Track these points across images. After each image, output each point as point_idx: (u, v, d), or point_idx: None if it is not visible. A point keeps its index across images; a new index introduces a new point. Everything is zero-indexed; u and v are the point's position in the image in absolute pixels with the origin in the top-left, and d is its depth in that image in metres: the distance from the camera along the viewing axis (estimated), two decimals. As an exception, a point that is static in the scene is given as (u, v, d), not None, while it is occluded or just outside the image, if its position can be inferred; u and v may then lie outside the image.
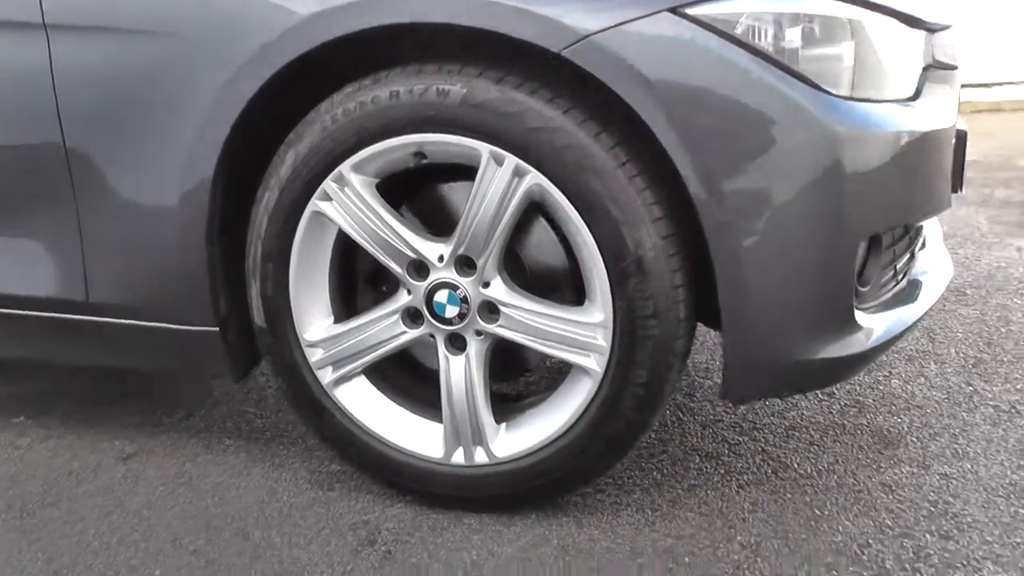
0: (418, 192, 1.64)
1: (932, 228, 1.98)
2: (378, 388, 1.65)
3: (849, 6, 1.41)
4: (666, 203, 1.40)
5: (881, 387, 2.04)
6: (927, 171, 1.53)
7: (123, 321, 1.74)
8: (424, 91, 1.42)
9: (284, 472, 1.80)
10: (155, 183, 1.61)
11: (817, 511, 1.57)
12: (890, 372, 2.12)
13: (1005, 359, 2.16)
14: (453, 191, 1.62)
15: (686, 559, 1.46)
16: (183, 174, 1.58)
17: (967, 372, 2.09)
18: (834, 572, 1.40)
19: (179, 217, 1.60)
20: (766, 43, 1.35)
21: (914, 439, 1.80)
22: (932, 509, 1.56)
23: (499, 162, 1.42)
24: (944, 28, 1.72)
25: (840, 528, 1.52)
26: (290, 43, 1.45)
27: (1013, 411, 1.89)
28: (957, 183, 1.73)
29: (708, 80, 1.33)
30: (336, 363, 1.62)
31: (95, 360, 1.84)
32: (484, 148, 1.42)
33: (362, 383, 1.64)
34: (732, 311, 1.39)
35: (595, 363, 1.46)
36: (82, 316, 1.76)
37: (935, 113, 1.56)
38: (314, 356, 1.62)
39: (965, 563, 1.41)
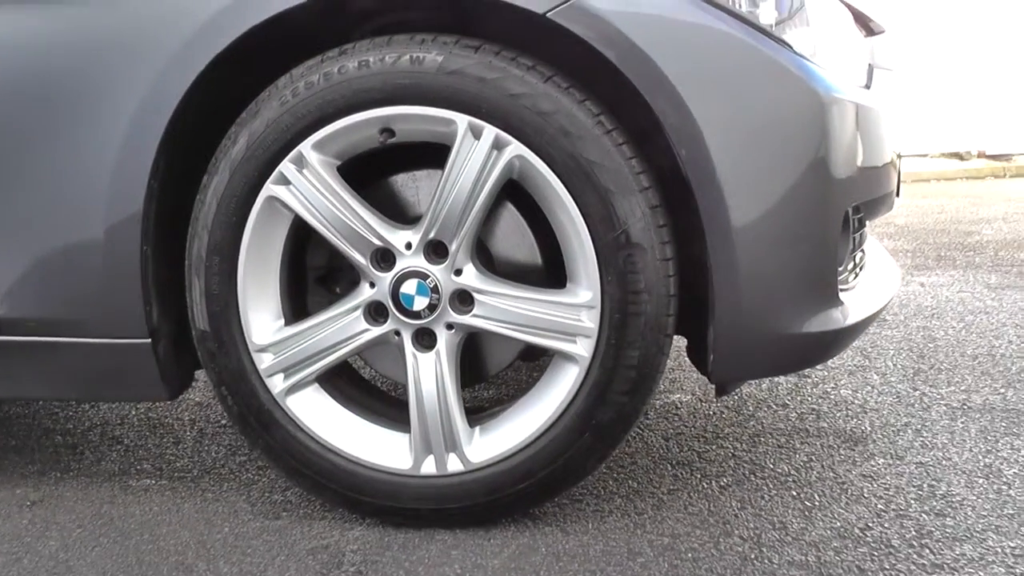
0: (375, 184, 1.53)
1: (873, 243, 2.02)
2: (333, 398, 1.50)
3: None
4: (652, 173, 1.36)
5: (832, 396, 2.03)
6: (885, 150, 1.56)
7: (36, 339, 1.52)
8: (397, 59, 1.34)
9: (220, 505, 1.60)
10: (80, 173, 1.43)
11: (807, 503, 1.51)
12: (836, 384, 2.11)
13: (942, 367, 2.19)
14: (414, 181, 1.53)
15: (688, 555, 1.36)
16: (116, 163, 1.41)
17: (910, 380, 2.11)
18: (843, 554, 1.33)
19: (109, 211, 1.43)
20: (744, 9, 1.34)
21: (879, 436, 1.78)
22: (919, 492, 1.52)
23: (477, 135, 1.34)
24: (881, 32, 1.80)
25: (836, 515, 1.46)
26: (240, 15, 1.35)
27: (966, 407, 1.91)
28: (897, 187, 1.77)
29: (695, 42, 1.30)
30: (288, 369, 1.46)
31: (6, 390, 1.59)
32: (461, 119, 1.34)
33: (316, 392, 1.48)
34: (724, 283, 1.34)
35: (582, 348, 1.37)
36: None
37: (886, 101, 1.60)
38: (263, 362, 1.46)
39: (968, 536, 1.37)
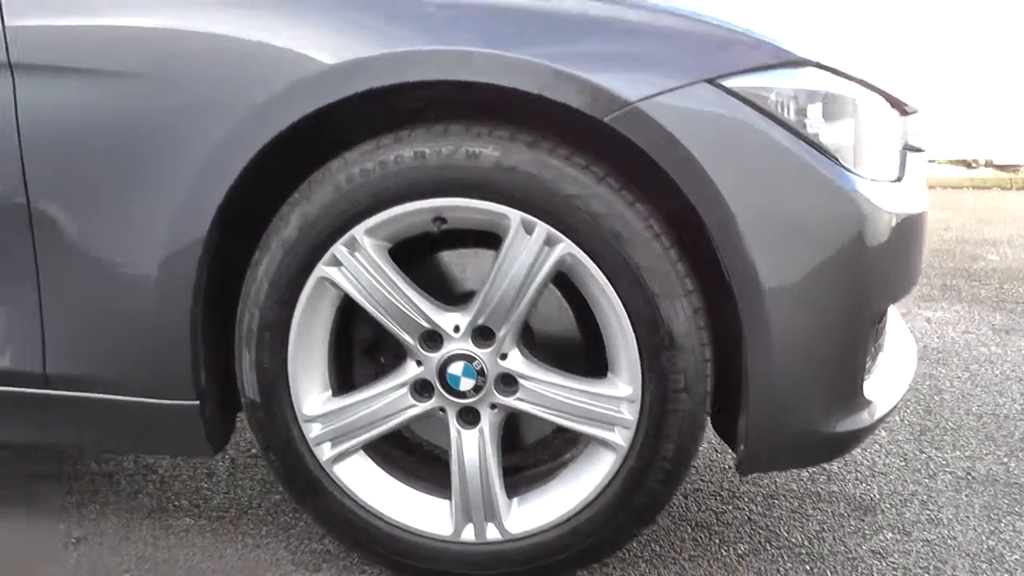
0: (422, 261, 1.58)
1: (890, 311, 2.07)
2: (377, 464, 1.57)
3: (852, 84, 1.46)
4: (696, 276, 1.41)
5: (842, 454, 2.10)
6: (917, 248, 1.61)
7: (86, 395, 1.57)
8: (453, 152, 1.38)
9: (262, 552, 1.67)
10: (134, 241, 1.48)
11: (821, 580, 1.59)
12: (846, 439, 2.19)
13: (947, 427, 2.27)
14: (460, 258, 1.58)
15: (710, 635, 1.44)
16: (170, 233, 1.46)
17: (916, 439, 2.19)
18: (856, 644, 1.42)
19: (162, 279, 1.48)
20: (792, 117, 1.38)
21: (888, 506, 1.86)
22: (926, 575, 1.61)
23: (529, 230, 1.39)
24: (913, 112, 1.83)
25: (848, 598, 1.54)
26: (310, 95, 1.38)
27: (969, 477, 1.99)
28: None
29: (744, 152, 1.35)
30: (336, 439, 1.52)
31: (54, 438, 1.65)
32: (515, 215, 1.39)
33: (362, 459, 1.55)
34: (760, 385, 1.40)
35: (620, 437, 1.44)
36: (38, 390, 1.59)
37: (919, 194, 1.64)
38: (312, 431, 1.52)
39: (973, 629, 1.45)
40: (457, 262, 1.58)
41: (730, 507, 1.86)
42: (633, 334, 1.39)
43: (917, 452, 2.12)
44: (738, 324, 1.39)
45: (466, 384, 1.46)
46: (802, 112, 1.39)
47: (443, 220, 1.44)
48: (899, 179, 1.65)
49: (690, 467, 1.46)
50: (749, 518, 1.82)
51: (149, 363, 1.53)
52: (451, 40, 1.36)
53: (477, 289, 1.49)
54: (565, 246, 1.38)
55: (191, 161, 1.44)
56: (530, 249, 1.39)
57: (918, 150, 1.84)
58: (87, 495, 1.91)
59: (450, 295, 1.55)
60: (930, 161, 7.01)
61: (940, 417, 2.33)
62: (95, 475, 2.00)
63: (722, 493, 1.92)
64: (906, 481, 1.97)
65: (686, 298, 1.38)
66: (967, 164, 7.32)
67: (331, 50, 1.37)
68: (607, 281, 1.38)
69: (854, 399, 1.47)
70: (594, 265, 1.38)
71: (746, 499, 1.89)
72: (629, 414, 1.43)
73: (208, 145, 1.43)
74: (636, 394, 1.42)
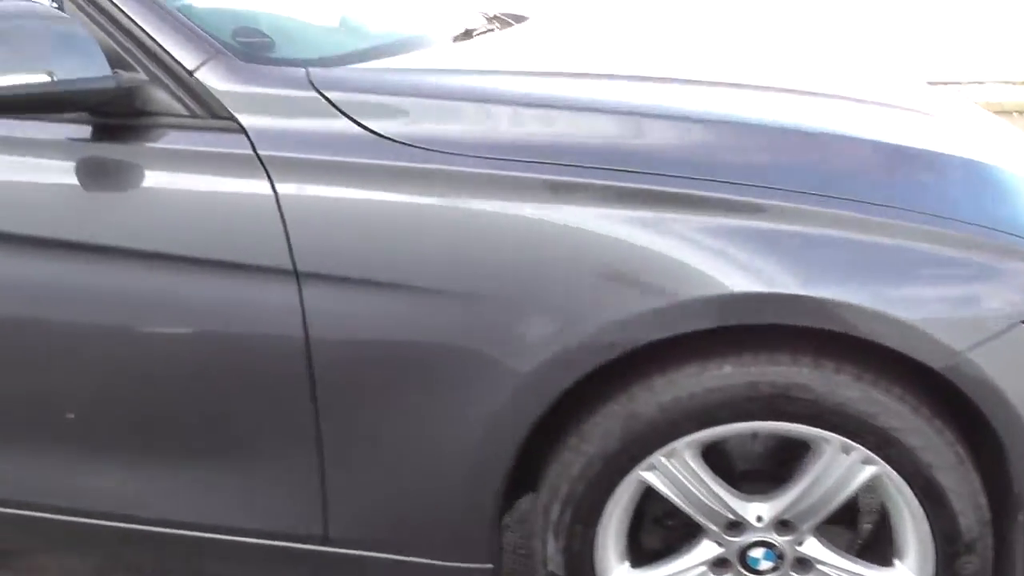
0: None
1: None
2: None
3: None
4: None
5: None
6: None
7: (367, 554, 1.69)
8: (785, 385, 1.47)
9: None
10: (455, 433, 1.57)
11: None
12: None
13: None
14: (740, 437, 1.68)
15: None
16: (486, 433, 1.55)
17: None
18: None
19: (475, 469, 1.58)
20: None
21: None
22: None
23: (846, 451, 1.51)
24: None
25: None
26: (659, 326, 1.46)
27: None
28: None
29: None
30: (633, 601, 1.68)
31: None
32: (834, 439, 1.50)
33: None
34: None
35: (901, 614, 1.62)
36: (317, 547, 1.69)
37: None
38: (612, 596, 1.67)
39: None
40: (740, 441, 1.68)
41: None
42: (932, 542, 1.55)
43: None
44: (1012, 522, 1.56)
45: (764, 565, 1.61)
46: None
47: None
48: None
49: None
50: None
51: (443, 534, 1.65)
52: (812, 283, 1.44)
53: (760, 467, 1.66)
54: (880, 468, 1.51)
55: (501, 385, 1.52)
56: (844, 466, 1.52)
57: None
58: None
59: (732, 470, 1.67)
60: (1007, 81, 6.70)
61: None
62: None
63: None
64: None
65: (980, 511, 1.53)
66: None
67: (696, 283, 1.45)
68: (915, 499, 1.52)
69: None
70: (904, 484, 1.52)
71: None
72: (913, 599, 1.60)
73: (525, 369, 1.50)
74: (925, 586, 1.59)
